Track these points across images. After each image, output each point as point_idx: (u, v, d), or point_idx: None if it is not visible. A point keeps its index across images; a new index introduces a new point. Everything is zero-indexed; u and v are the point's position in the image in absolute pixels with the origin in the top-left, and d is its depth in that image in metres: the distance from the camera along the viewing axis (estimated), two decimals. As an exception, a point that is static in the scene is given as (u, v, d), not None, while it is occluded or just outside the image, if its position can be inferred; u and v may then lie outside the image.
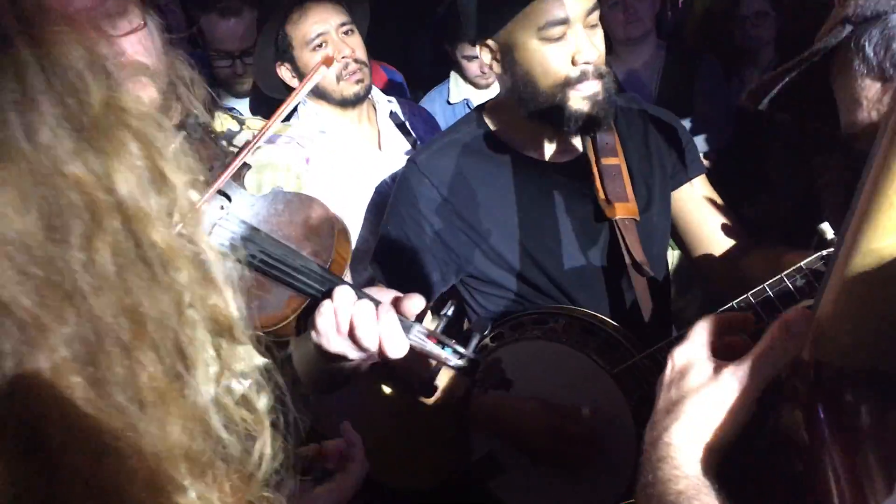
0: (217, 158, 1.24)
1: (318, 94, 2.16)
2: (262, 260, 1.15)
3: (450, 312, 1.17)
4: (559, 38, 1.51)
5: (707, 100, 2.87)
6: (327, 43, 2.12)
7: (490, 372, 1.17)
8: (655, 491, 0.74)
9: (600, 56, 1.55)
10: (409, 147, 2.32)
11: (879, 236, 0.62)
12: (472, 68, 2.90)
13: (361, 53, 2.16)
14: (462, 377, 1.16)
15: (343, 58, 2.11)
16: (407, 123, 2.35)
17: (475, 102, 2.93)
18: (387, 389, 2.13)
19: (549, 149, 1.69)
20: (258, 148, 1.31)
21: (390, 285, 1.70)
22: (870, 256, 0.63)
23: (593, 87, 1.54)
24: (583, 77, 1.53)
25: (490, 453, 1.67)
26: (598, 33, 1.57)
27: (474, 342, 1.14)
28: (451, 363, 1.13)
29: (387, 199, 1.84)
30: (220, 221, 1.17)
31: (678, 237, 1.79)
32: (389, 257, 1.71)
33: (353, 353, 1.13)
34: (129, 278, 0.54)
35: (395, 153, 2.27)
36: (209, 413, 0.59)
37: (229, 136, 1.33)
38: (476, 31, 1.60)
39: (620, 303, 1.67)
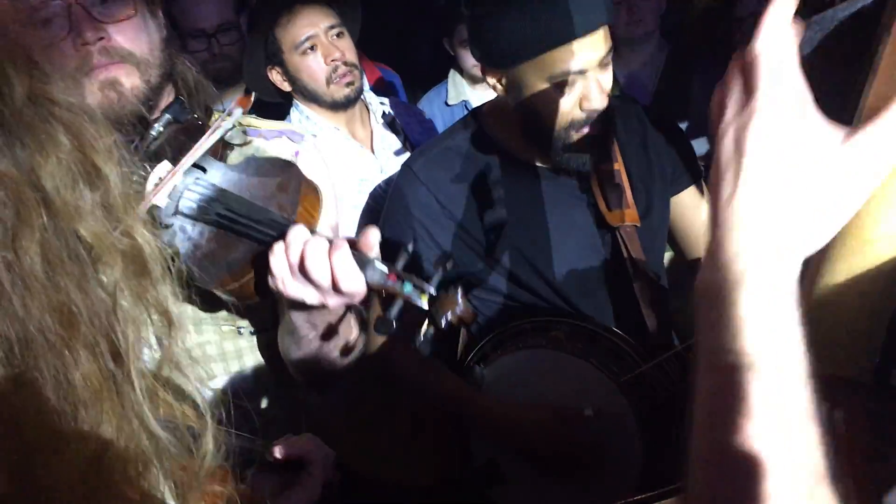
0: (196, 139, 1.24)
1: (310, 97, 2.16)
2: (227, 217, 1.15)
3: (409, 248, 1.14)
4: (569, 85, 1.49)
5: (706, 101, 2.85)
6: (316, 46, 2.11)
7: (449, 302, 1.11)
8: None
9: (606, 98, 1.53)
10: (401, 148, 2.31)
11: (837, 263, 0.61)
12: (469, 57, 2.87)
13: (351, 56, 2.15)
14: (425, 313, 1.11)
15: (332, 60, 2.11)
16: (400, 125, 2.34)
17: (474, 104, 2.93)
18: (382, 389, 2.12)
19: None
20: (248, 141, 1.33)
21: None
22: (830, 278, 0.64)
23: (595, 129, 1.54)
24: (587, 121, 1.53)
25: (491, 460, 1.65)
26: (609, 72, 1.55)
27: (436, 277, 1.10)
28: (413, 300, 1.09)
29: (381, 202, 1.83)
30: (190, 186, 1.18)
31: (677, 241, 1.80)
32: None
33: (310, 296, 1.10)
34: (58, 276, 0.52)
35: (387, 155, 2.26)
36: (145, 411, 0.57)
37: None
38: (485, 59, 1.57)
39: (623, 309, 1.67)
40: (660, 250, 1.75)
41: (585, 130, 1.53)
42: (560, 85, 1.49)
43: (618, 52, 2.85)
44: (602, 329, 1.60)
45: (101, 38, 1.16)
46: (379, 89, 2.84)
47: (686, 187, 1.75)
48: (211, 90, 1.36)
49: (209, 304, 1.29)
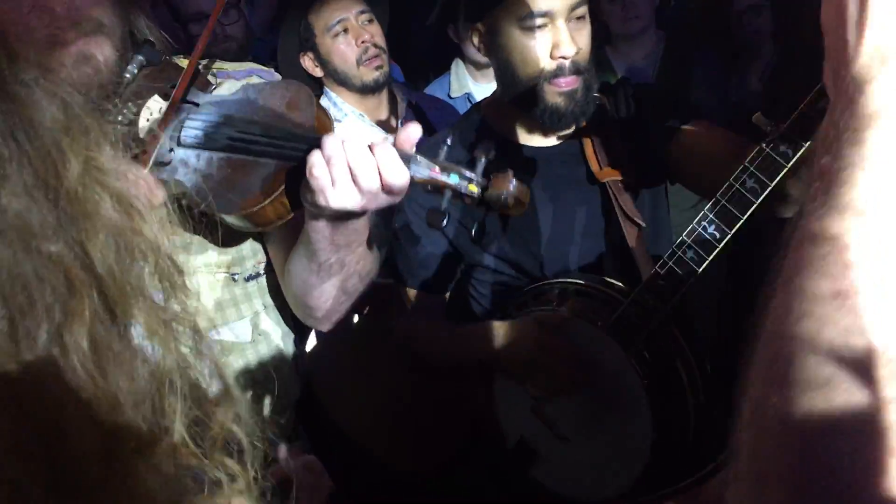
0: (177, 77, 1.20)
1: (339, 80, 2.25)
2: (240, 139, 1.12)
3: (449, 142, 1.12)
4: (539, 29, 1.54)
5: (704, 93, 2.89)
6: (348, 29, 2.19)
7: (502, 182, 1.09)
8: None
9: (580, 52, 1.57)
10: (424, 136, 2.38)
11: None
12: None
13: (381, 40, 2.25)
14: (474, 203, 1.09)
15: (363, 42, 2.19)
16: (426, 115, 2.41)
17: (476, 96, 2.95)
18: (392, 366, 2.17)
19: (542, 134, 1.74)
20: (220, 83, 1.29)
21: (405, 277, 1.79)
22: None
23: (570, 82, 1.57)
24: (559, 72, 1.56)
25: (522, 439, 1.72)
26: (584, 27, 1.59)
27: (481, 165, 1.08)
28: (461, 189, 1.07)
29: None
30: (190, 116, 1.14)
31: (696, 188, 1.77)
32: (401, 251, 1.79)
33: (354, 202, 1.07)
34: (107, 365, 0.50)
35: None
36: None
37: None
38: (466, 13, 1.69)
39: (623, 263, 1.70)
40: (655, 206, 1.77)
41: (565, 83, 1.57)
42: (529, 29, 1.54)
43: (616, 44, 2.90)
44: (588, 280, 1.66)
45: (74, 11, 1.10)
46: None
47: (674, 134, 1.70)
48: (161, 34, 1.29)
49: (200, 250, 1.29)
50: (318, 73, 2.29)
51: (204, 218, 1.08)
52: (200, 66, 1.22)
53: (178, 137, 1.14)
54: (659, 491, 1.44)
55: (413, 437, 2.14)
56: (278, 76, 1.43)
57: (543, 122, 1.63)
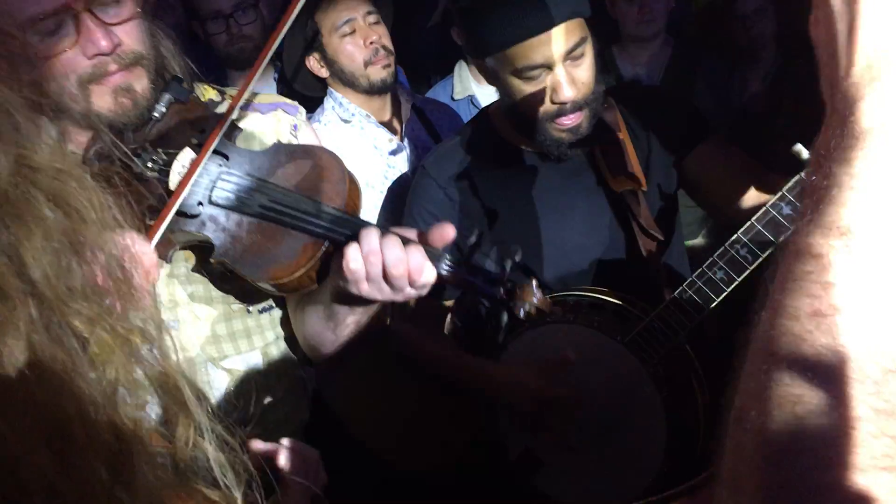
0: (205, 120, 1.22)
1: (346, 81, 2.24)
2: (272, 209, 1.13)
3: (475, 239, 1.14)
4: (537, 78, 1.53)
5: (708, 97, 2.90)
6: (355, 30, 2.19)
7: (526, 293, 1.12)
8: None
9: (579, 91, 1.55)
10: (430, 140, 2.38)
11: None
12: None
13: (388, 42, 2.24)
14: (498, 303, 1.12)
15: (371, 43, 2.18)
16: (429, 117, 2.41)
17: (479, 98, 2.95)
18: (403, 379, 2.18)
19: None
20: (244, 109, 1.30)
21: None
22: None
23: (573, 119, 1.57)
24: (560, 112, 1.56)
25: (526, 449, 1.71)
26: (584, 62, 1.56)
27: (508, 267, 1.12)
28: (485, 289, 1.10)
29: (403, 188, 1.95)
30: (223, 176, 1.16)
31: (703, 201, 1.81)
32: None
33: (383, 294, 1.12)
34: (46, 378, 0.47)
35: (415, 145, 2.32)
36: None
37: (211, 106, 1.31)
38: (465, 48, 1.68)
39: (635, 274, 1.69)
40: (668, 215, 1.75)
41: (567, 121, 1.56)
42: (526, 79, 1.53)
43: (625, 45, 2.91)
44: (604, 294, 1.66)
45: (118, 46, 1.14)
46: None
47: (692, 149, 1.72)
48: (184, 60, 1.31)
49: (220, 282, 1.32)
50: (323, 73, 2.28)
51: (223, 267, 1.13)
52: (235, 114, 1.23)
53: (210, 196, 1.15)
54: (664, 492, 1.50)
55: (423, 442, 2.14)
56: (303, 110, 1.45)
57: (548, 151, 1.63)
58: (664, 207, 1.74)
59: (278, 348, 1.43)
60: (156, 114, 1.20)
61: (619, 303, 1.64)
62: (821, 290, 0.53)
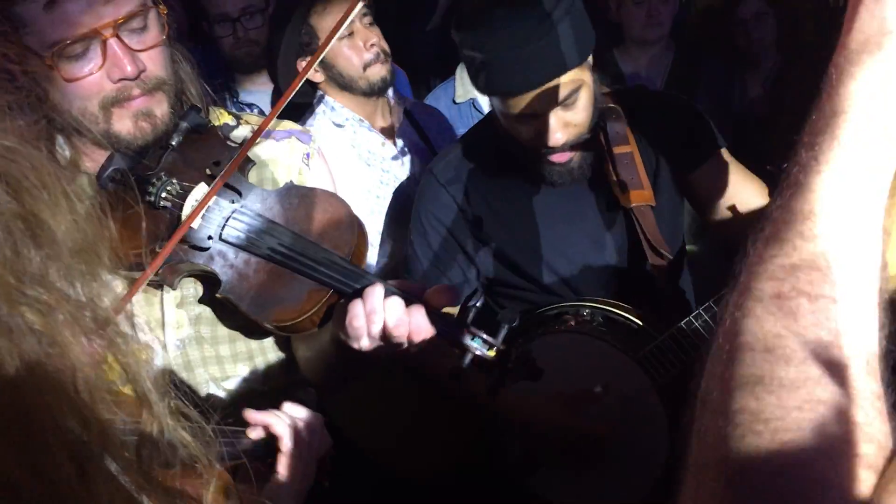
0: (220, 152, 1.24)
1: (342, 84, 2.19)
2: (281, 252, 1.16)
3: (478, 304, 1.16)
4: (527, 121, 1.56)
5: (709, 101, 2.90)
6: (353, 33, 2.15)
7: (522, 361, 1.16)
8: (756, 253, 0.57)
9: (570, 134, 1.57)
10: (422, 145, 2.36)
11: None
12: None
13: (384, 44, 2.20)
14: (491, 367, 1.15)
15: (371, 46, 2.14)
16: (420, 122, 2.40)
17: (482, 102, 2.95)
18: (403, 385, 2.18)
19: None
20: (259, 143, 1.31)
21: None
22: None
23: (562, 158, 1.60)
24: (553, 150, 1.59)
25: (526, 452, 1.71)
26: (576, 107, 1.57)
27: (503, 332, 1.14)
28: (481, 353, 1.13)
29: (405, 195, 1.96)
30: (235, 215, 1.18)
31: (706, 216, 1.80)
32: (417, 265, 1.78)
33: (380, 350, 1.15)
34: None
35: (408, 149, 2.31)
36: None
37: (226, 130, 1.32)
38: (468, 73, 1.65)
39: (640, 288, 1.71)
40: (673, 228, 1.76)
41: (558, 159, 1.60)
42: (520, 122, 1.57)
43: (628, 47, 2.92)
44: (619, 308, 1.67)
45: (142, 71, 1.16)
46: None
47: (700, 163, 1.72)
48: (200, 82, 1.33)
49: (221, 314, 1.32)
50: (318, 77, 2.22)
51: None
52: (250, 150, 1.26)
53: (221, 233, 1.18)
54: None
55: (422, 448, 2.15)
56: (316, 139, 1.47)
57: (546, 183, 1.66)
58: (671, 221, 1.75)
59: (280, 370, 1.43)
60: (173, 142, 1.22)
61: (632, 318, 1.65)
62: (784, 273, 0.54)
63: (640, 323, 1.65)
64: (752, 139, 2.86)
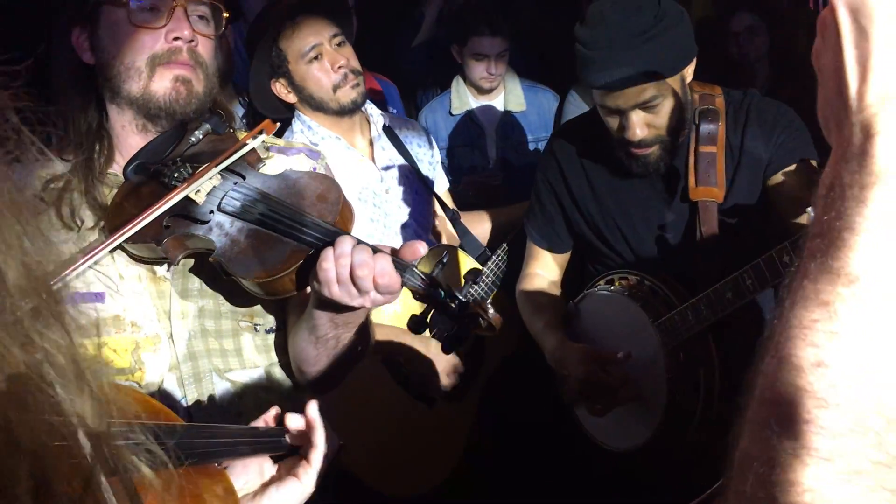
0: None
1: (314, 105, 2.20)
2: (270, 216, 1.27)
3: (445, 260, 1.26)
4: (612, 115, 1.76)
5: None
6: (322, 54, 2.15)
7: (480, 308, 1.21)
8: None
9: (650, 133, 1.75)
10: (402, 160, 2.35)
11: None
12: (479, 69, 2.88)
13: (355, 63, 2.20)
14: (451, 318, 1.22)
15: (340, 68, 2.15)
16: (400, 136, 2.38)
17: (478, 114, 2.94)
18: (387, 394, 2.22)
19: None
20: (270, 157, 1.45)
21: (531, 239, 2.16)
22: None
23: (642, 152, 1.78)
24: (634, 145, 1.76)
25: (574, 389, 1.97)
26: (659, 111, 1.73)
27: (466, 287, 1.23)
28: (443, 303, 1.20)
29: None
30: (234, 188, 1.31)
31: (787, 216, 1.84)
32: (533, 213, 2.13)
33: (353, 298, 1.19)
34: None
35: (386, 165, 2.31)
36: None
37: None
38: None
39: (687, 272, 1.89)
40: (743, 231, 1.86)
41: (638, 152, 1.77)
42: (605, 113, 1.77)
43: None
44: (661, 281, 1.91)
45: (192, 42, 1.32)
46: (374, 101, 2.90)
47: (780, 169, 1.82)
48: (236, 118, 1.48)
49: (229, 298, 1.39)
50: (291, 98, 2.23)
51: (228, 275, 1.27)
52: (256, 143, 1.37)
53: (220, 203, 1.30)
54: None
55: (411, 467, 2.23)
56: (325, 156, 1.59)
57: (624, 165, 1.84)
58: (740, 221, 1.86)
59: (282, 371, 1.46)
60: (192, 138, 1.35)
61: (669, 293, 1.88)
62: (826, 339, 0.52)
63: (673, 298, 1.86)
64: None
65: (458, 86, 3.03)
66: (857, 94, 0.55)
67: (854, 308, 0.52)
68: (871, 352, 0.51)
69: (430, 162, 2.48)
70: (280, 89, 2.21)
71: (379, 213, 2.26)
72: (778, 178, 1.83)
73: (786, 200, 1.80)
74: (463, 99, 2.99)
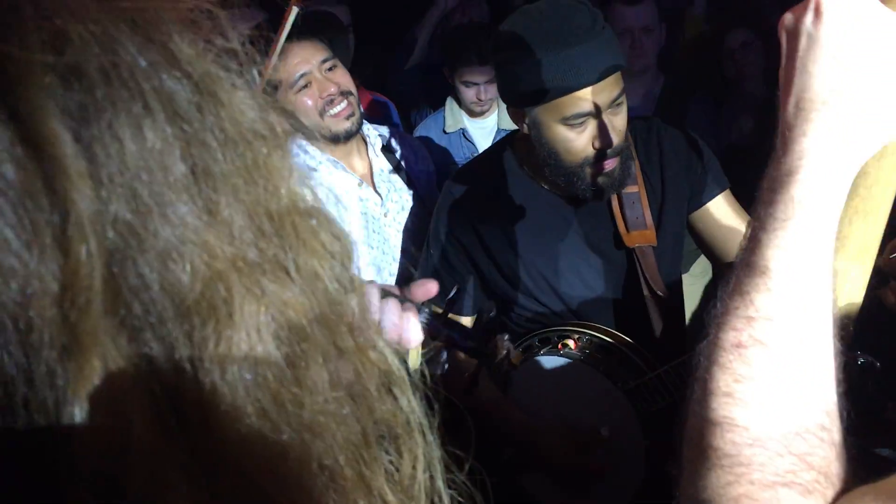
0: None
1: (307, 133, 2.15)
2: None
3: (453, 296, 1.22)
4: (581, 125, 1.61)
5: (697, 132, 2.91)
6: (311, 83, 2.09)
7: (498, 347, 1.20)
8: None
9: (619, 137, 1.64)
10: (401, 182, 2.32)
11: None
12: (469, 95, 2.88)
13: (347, 84, 2.14)
14: (475, 356, 1.21)
15: (327, 94, 2.09)
16: (398, 155, 2.34)
17: (472, 132, 2.93)
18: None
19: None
20: None
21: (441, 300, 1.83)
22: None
23: (611, 164, 1.66)
24: (601, 157, 1.64)
25: (518, 458, 1.81)
26: (622, 111, 1.65)
27: (481, 322, 1.19)
28: (460, 342, 1.17)
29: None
30: None
31: (711, 251, 1.86)
32: (430, 271, 1.86)
33: None
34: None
35: (387, 188, 2.27)
36: None
37: None
38: (507, 99, 1.71)
39: (637, 323, 1.78)
40: (674, 266, 1.84)
41: (607, 165, 1.65)
42: (573, 126, 1.61)
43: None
44: (616, 339, 1.75)
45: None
46: (372, 115, 2.87)
47: (703, 203, 1.80)
48: None
49: None
50: (285, 125, 2.18)
51: None
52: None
53: None
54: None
55: None
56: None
57: (584, 196, 1.70)
58: (672, 258, 1.82)
59: None
60: None
61: (627, 351, 1.73)
62: (743, 323, 0.60)
63: (632, 355, 1.71)
64: (739, 168, 2.86)
65: (451, 106, 3.03)
66: (782, 104, 0.65)
67: (766, 297, 0.60)
68: (781, 334, 0.60)
69: (428, 181, 2.44)
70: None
71: (378, 238, 2.22)
72: (704, 211, 1.79)
73: (716, 232, 1.78)
74: (456, 117, 2.99)
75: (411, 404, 0.51)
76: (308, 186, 0.49)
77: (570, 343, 1.76)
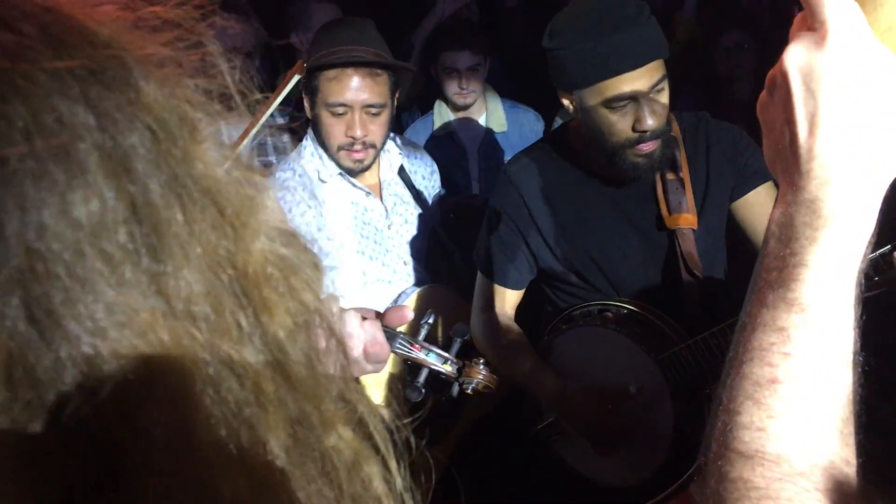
0: None
1: (321, 144, 2.13)
2: None
3: (430, 321, 1.26)
4: (623, 108, 1.70)
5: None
6: (347, 114, 2.05)
7: (474, 371, 1.26)
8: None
9: (659, 120, 1.72)
10: (409, 196, 2.29)
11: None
12: (452, 86, 2.86)
13: (375, 137, 2.09)
14: (451, 379, 1.26)
15: (350, 136, 2.05)
16: (407, 169, 2.31)
17: (461, 134, 2.93)
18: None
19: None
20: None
21: (485, 274, 2.04)
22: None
23: (650, 146, 1.74)
24: (641, 139, 1.72)
25: (556, 420, 1.95)
26: (664, 96, 1.73)
27: (455, 346, 1.26)
28: (436, 367, 1.22)
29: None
30: None
31: (748, 243, 1.93)
32: (484, 250, 2.01)
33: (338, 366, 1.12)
34: None
35: (393, 202, 2.25)
36: None
37: None
38: (555, 83, 1.81)
39: (674, 301, 1.89)
40: (715, 250, 1.92)
41: (646, 147, 1.73)
42: (614, 108, 1.70)
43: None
44: (651, 313, 1.87)
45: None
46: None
47: (745, 193, 1.88)
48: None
49: None
50: (308, 114, 2.14)
51: None
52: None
53: None
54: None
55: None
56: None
57: (625, 175, 1.79)
58: (714, 243, 1.91)
59: None
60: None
61: (662, 325, 1.83)
62: (780, 359, 0.61)
63: (666, 329, 1.82)
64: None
65: (440, 108, 3.03)
66: (806, 145, 0.62)
67: (805, 333, 0.61)
68: (818, 371, 0.61)
69: (432, 194, 2.41)
70: (306, 102, 2.11)
71: (379, 250, 2.20)
72: (746, 200, 1.88)
73: (756, 221, 1.87)
74: (444, 116, 2.97)
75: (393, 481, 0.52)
76: (285, 236, 0.46)
77: (609, 315, 1.89)
